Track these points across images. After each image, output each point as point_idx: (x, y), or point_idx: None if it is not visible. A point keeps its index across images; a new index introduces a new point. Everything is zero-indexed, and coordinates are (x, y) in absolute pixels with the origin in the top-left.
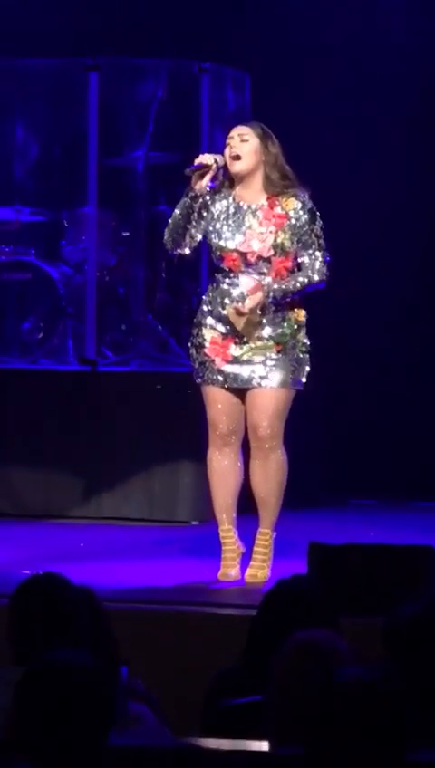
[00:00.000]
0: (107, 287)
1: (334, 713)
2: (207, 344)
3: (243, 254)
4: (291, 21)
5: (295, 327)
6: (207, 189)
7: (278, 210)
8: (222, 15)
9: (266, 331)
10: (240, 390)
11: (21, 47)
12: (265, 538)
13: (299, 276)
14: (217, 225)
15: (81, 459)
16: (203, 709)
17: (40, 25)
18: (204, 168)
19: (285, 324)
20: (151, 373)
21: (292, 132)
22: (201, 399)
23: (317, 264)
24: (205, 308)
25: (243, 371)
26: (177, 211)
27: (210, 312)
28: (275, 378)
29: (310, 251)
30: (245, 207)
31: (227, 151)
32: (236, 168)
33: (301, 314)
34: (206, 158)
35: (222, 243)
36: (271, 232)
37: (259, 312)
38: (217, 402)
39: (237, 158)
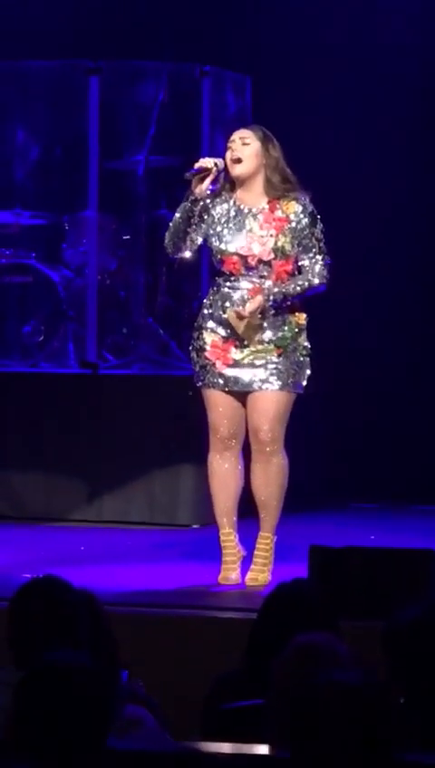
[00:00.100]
0: (108, 290)
1: (319, 716)
2: (207, 347)
3: (243, 258)
4: (291, 23)
5: (296, 330)
6: (208, 193)
7: (279, 213)
8: (223, 18)
9: (267, 335)
10: (241, 394)
11: (22, 49)
12: (265, 541)
13: (299, 280)
14: (218, 229)
15: (81, 462)
16: (203, 713)
17: (41, 28)
18: (204, 172)
19: (286, 328)
20: (152, 376)
21: (292, 135)
22: (202, 403)
23: (318, 268)
24: (205, 311)
25: (244, 375)
26: (177, 215)
27: (211, 316)
28: (276, 381)
29: (310, 254)
30: (245, 211)
31: (228, 154)
32: (237, 171)
33: (301, 318)
34: (206, 162)
35: (223, 246)
36: (271, 235)
37: (259, 316)
38: (218, 406)
39: (238, 161)
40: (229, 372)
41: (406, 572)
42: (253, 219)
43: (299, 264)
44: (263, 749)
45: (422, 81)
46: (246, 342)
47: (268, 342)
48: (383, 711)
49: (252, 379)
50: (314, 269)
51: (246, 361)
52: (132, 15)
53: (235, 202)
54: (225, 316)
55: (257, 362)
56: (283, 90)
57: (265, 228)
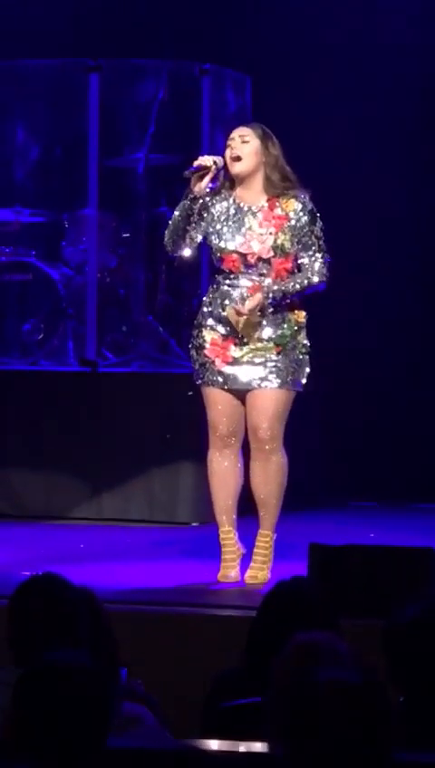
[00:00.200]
0: (107, 288)
1: (318, 714)
2: (207, 345)
3: (243, 256)
4: (291, 22)
5: (295, 328)
6: (207, 191)
7: (278, 211)
8: (223, 17)
9: (266, 333)
10: (240, 392)
11: (21, 48)
12: (265, 539)
13: (299, 278)
14: (217, 227)
15: (81, 460)
16: (203, 710)
17: (40, 26)
18: (203, 170)
19: (285, 326)
20: (152, 374)
21: (292, 133)
22: (202, 401)
23: (317, 266)
24: (205, 309)
25: (243, 373)
26: (176, 213)
27: (210, 314)
28: (275, 379)
29: (310, 252)
30: (245, 209)
31: (227, 152)
32: (237, 169)
33: (301, 316)
34: (205, 160)
35: (222, 244)
36: (271, 233)
37: (259, 313)
38: (217, 404)
39: (238, 159)
40: (229, 370)
41: (406, 571)
42: (252, 217)
43: (298, 261)
44: (262, 747)
45: (422, 81)
46: (245, 340)
47: (268, 340)
48: (383, 710)
49: (251, 376)
50: (314, 267)
51: (245, 359)
52: (132, 14)
53: (234, 200)
54: (224, 314)
55: (257, 360)
56: (283, 89)
57: (264, 226)
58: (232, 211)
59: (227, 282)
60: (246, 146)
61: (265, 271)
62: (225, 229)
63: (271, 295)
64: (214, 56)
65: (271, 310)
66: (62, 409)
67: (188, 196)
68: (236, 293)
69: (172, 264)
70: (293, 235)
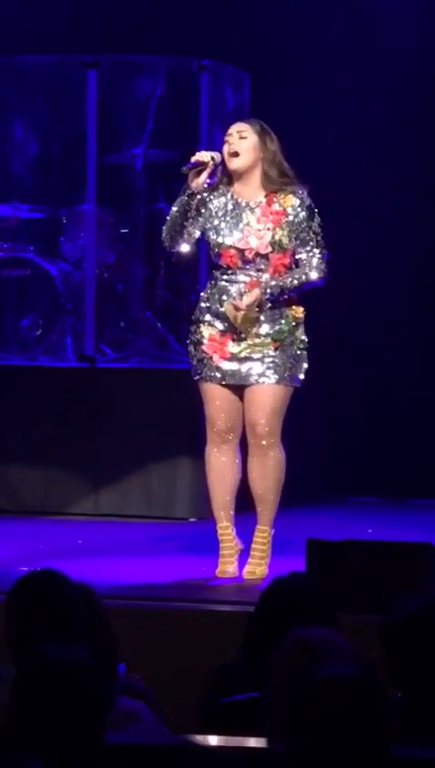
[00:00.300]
0: (106, 284)
1: (317, 710)
2: (205, 341)
3: (241, 251)
4: (290, 19)
5: (293, 324)
6: (205, 187)
7: (276, 207)
8: (221, 13)
9: (264, 329)
10: (238, 387)
11: (20, 44)
12: (263, 535)
13: (297, 273)
14: (215, 222)
15: (79, 456)
16: (201, 706)
17: (38, 22)
18: (201, 166)
19: (283, 321)
20: (150, 370)
21: (290, 130)
22: (200, 396)
23: (315, 261)
24: (203, 305)
25: (241, 368)
26: (174, 208)
27: (208, 309)
28: (273, 375)
29: (308, 248)
30: (243, 204)
31: (225, 148)
32: (235, 164)
33: (299, 311)
34: (202, 156)
35: (220, 240)
36: (269, 229)
37: (257, 309)
38: (215, 399)
39: (236, 154)
40: (226, 366)
41: (404, 566)
42: (250, 213)
43: (296, 257)
44: (260, 742)
45: (422, 81)
46: (243, 336)
47: (265, 336)
48: (382, 705)
49: (249, 372)
50: (312, 263)
51: (243, 355)
52: (130, 10)
53: (232, 196)
54: (222, 309)
55: (255, 356)
56: (281, 87)
57: (262, 222)
58: (230, 207)
59: (225, 277)
60: (243, 141)
61: (262, 266)
62: (222, 225)
63: (269, 291)
64: (212, 52)
65: (269, 305)
66: (60, 405)
67: (185, 192)
68: (234, 289)
69: (170, 260)
70: (291, 230)
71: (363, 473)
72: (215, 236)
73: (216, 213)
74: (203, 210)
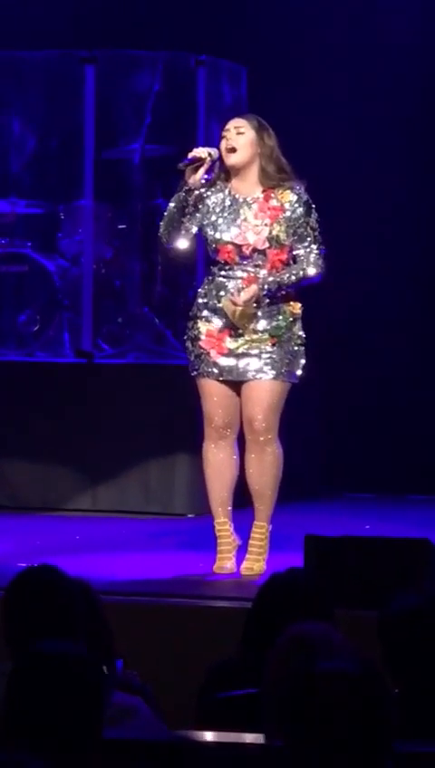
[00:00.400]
0: (103, 280)
1: (316, 706)
2: (202, 337)
3: (238, 247)
4: (288, 14)
5: (291, 320)
6: (202, 183)
7: (274, 203)
8: (219, 8)
9: (262, 324)
10: (235, 383)
11: (17, 39)
12: (260, 531)
13: (294, 269)
14: (213, 218)
15: (77, 452)
16: (198, 702)
17: (36, 18)
18: (197, 162)
19: (281, 317)
20: (148, 366)
21: (288, 126)
22: (197, 392)
23: (312, 257)
24: (200, 301)
25: (238, 364)
26: (171, 204)
27: (206, 305)
28: (270, 371)
29: (305, 244)
30: (240, 200)
31: (222, 144)
32: (232, 160)
33: (296, 307)
34: (199, 152)
35: (217, 235)
36: (266, 224)
37: (254, 305)
38: (213, 395)
39: (233, 150)
40: (224, 362)
41: (401, 562)
42: (247, 208)
43: (294, 253)
44: (258, 738)
45: (422, 81)
46: (240, 332)
47: (263, 332)
48: (382, 700)
49: (246, 368)
50: (309, 258)
51: (240, 351)
52: (128, 5)
53: (229, 191)
54: (220, 305)
55: (252, 352)
56: (279, 83)
57: (259, 217)
58: (227, 202)
59: (223, 273)
60: (241, 137)
61: (260, 262)
62: (220, 220)
63: (266, 287)
64: (210, 47)
65: (266, 301)
66: (57, 401)
67: (182, 188)
68: (231, 285)
69: (167, 256)
70: (288, 226)
71: (361, 469)
72: (212, 232)
73: (213, 209)
74: (200, 206)
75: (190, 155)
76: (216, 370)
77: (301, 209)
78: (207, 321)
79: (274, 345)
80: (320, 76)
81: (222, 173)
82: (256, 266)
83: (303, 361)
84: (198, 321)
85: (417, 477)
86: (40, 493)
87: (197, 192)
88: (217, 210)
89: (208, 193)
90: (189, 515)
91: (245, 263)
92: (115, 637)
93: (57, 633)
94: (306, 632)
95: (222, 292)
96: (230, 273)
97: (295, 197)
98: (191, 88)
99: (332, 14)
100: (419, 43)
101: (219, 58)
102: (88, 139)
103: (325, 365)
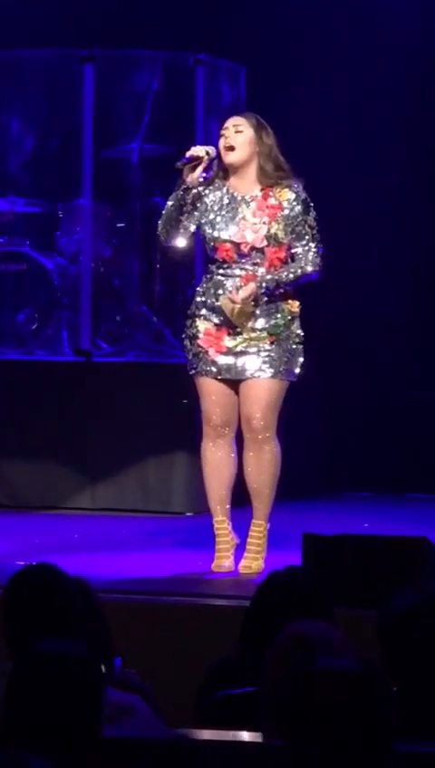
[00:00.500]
0: (102, 278)
1: (315, 704)
2: (200, 335)
3: (236, 245)
4: (287, 14)
5: (289, 318)
6: (200, 181)
7: (272, 201)
8: (218, 8)
9: (260, 323)
10: (234, 382)
11: (16, 38)
12: (258, 529)
13: (292, 267)
14: (211, 216)
15: (75, 450)
16: (197, 700)
17: (36, 17)
18: (195, 161)
19: (279, 315)
20: (146, 364)
21: (287, 125)
22: (195, 391)
23: (310, 255)
24: (199, 299)
25: (236, 363)
26: (170, 203)
27: (204, 304)
28: (269, 369)
29: (303, 242)
30: (238, 198)
31: (221, 142)
32: (230, 158)
33: (294, 305)
34: (197, 151)
35: (215, 233)
36: (264, 223)
37: (252, 303)
38: (211, 394)
39: (231, 148)
40: (222, 360)
41: (400, 560)
42: (246, 207)
43: (292, 251)
44: (256, 737)
45: (422, 81)
46: (239, 330)
47: (261, 330)
48: (382, 698)
49: (244, 366)
50: (308, 256)
51: (238, 349)
52: (127, 4)
53: (228, 190)
54: (218, 304)
55: (250, 350)
56: (277, 82)
57: (257, 216)
58: (225, 201)
59: (221, 271)
60: (239, 135)
61: (258, 260)
62: (218, 219)
63: (264, 285)
64: (209, 47)
65: (265, 299)
66: (56, 399)
67: (180, 187)
68: (229, 283)
69: (166, 254)
70: (286, 224)
71: (360, 468)
72: (210, 230)
73: (211, 207)
74: (199, 204)
75: (188, 154)
76: (214, 369)
77: (299, 207)
78: (206, 319)
79: (272, 343)
80: (319, 76)
81: (221, 171)
82: (255, 264)
83: (301, 360)
84: (197, 319)
85: (416, 476)
86: (38, 491)
87: (195, 190)
88: (216, 208)
89: (207, 191)
90: (188, 514)
91: (243, 261)
92: (114, 635)
93: (56, 631)
94: (305, 631)
95: (220, 291)
96: (228, 271)
97: (294, 196)
98: (190, 87)
99: (331, 14)
100: (419, 43)
101: (218, 57)
102: (87, 138)
103: (325, 364)
